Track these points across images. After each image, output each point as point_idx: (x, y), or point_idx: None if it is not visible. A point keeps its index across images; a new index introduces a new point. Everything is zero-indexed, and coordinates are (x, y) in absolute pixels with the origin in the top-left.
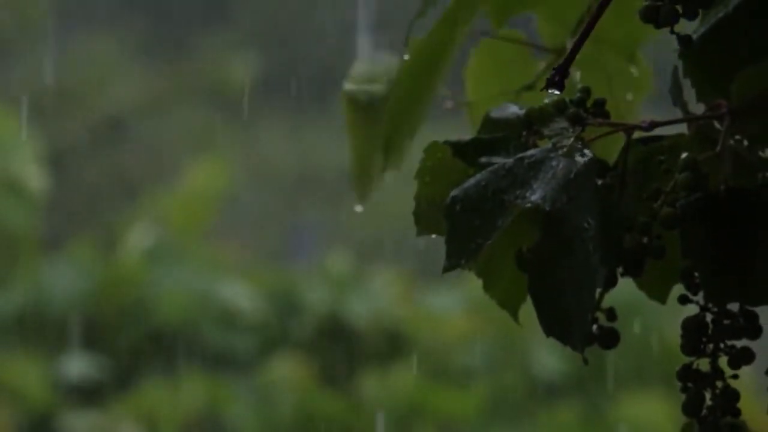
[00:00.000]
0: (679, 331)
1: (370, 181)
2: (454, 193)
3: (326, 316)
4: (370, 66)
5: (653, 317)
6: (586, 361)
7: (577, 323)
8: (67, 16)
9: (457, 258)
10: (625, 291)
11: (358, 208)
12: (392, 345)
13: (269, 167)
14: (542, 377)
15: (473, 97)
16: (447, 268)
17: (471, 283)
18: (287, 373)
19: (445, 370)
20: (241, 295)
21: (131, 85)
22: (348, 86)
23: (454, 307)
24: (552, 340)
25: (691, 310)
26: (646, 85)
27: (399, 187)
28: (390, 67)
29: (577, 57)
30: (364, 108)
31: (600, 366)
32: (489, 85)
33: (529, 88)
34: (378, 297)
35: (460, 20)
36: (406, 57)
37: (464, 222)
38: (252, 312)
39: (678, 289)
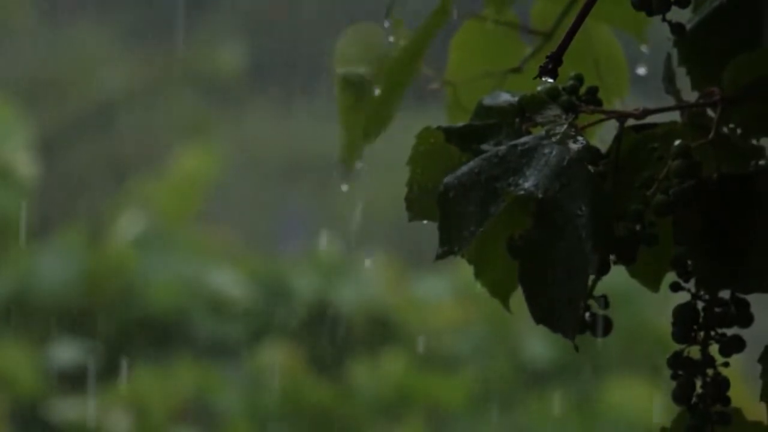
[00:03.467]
0: (668, 319)
1: (357, 161)
2: (446, 180)
3: (316, 303)
4: (353, 48)
5: (642, 304)
6: (576, 348)
7: (568, 310)
8: (57, 2)
9: (449, 245)
10: (613, 278)
11: (344, 188)
12: (382, 332)
13: (258, 154)
14: (532, 364)
15: (455, 77)
16: (440, 256)
17: (461, 270)
18: (276, 359)
19: (435, 356)
20: (230, 281)
21: (120, 72)
22: (338, 69)
23: (444, 294)
24: (542, 327)
25: (683, 297)
26: (623, 83)
27: (389, 173)
28: (371, 48)
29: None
30: (355, 90)
31: (589, 353)
32: (473, 65)
33: (516, 71)
34: (367, 284)
35: (447, 6)
36: (392, 38)
37: (457, 209)
38: (241, 299)
39: (668, 276)
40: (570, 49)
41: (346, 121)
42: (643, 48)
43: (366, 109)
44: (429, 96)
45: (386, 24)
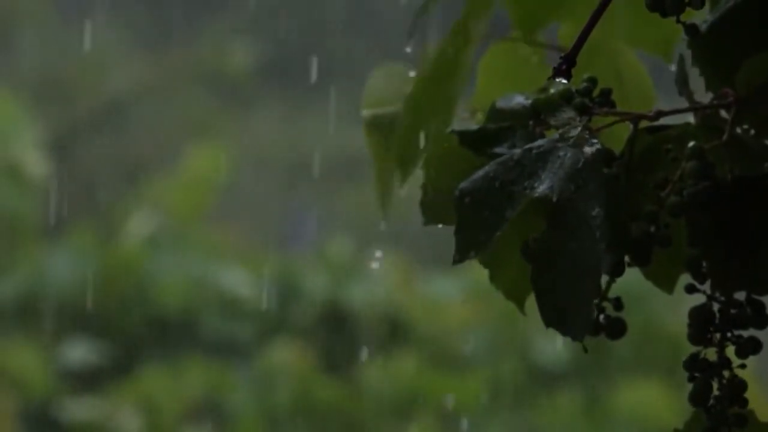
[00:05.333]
0: (680, 319)
1: (392, 198)
2: (462, 185)
3: (326, 303)
4: (382, 88)
5: (654, 305)
6: (585, 349)
7: (579, 311)
8: (68, 2)
9: (466, 250)
10: (625, 279)
11: (383, 226)
12: (392, 331)
13: (268, 153)
14: (543, 364)
15: (483, 101)
16: (456, 261)
17: (472, 270)
18: (287, 359)
19: (446, 356)
20: (240, 281)
21: (131, 71)
22: (365, 111)
23: (454, 294)
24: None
25: (698, 299)
26: (649, 103)
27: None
28: (400, 86)
29: (589, 52)
30: (383, 130)
31: (600, 353)
32: (500, 88)
33: (542, 91)
34: (378, 283)
35: (473, 30)
36: (408, 71)
37: (473, 214)
38: (252, 298)
39: (683, 277)
40: (592, 66)
41: (378, 165)
42: (672, 67)
43: (395, 145)
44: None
45: (408, 49)
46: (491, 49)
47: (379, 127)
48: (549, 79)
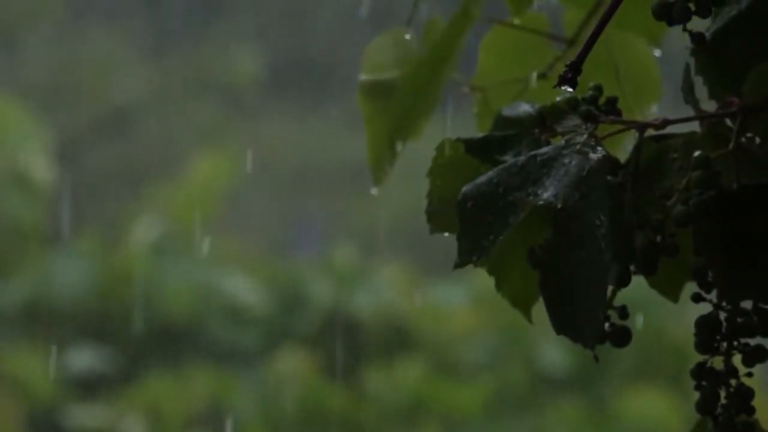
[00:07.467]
0: (684, 327)
1: (386, 166)
2: (465, 189)
3: (331, 310)
4: (382, 54)
5: (658, 312)
6: (596, 358)
7: (588, 320)
8: (74, 9)
9: (468, 255)
10: (630, 286)
11: (374, 191)
12: (397, 339)
13: (274, 161)
14: (547, 371)
15: (484, 81)
16: (458, 265)
17: (476, 278)
18: (292, 366)
19: (450, 364)
20: (245, 288)
21: (137, 78)
22: (363, 76)
23: (459, 301)
24: (558, 335)
25: (704, 307)
26: (655, 88)
27: (404, 180)
28: (400, 54)
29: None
30: (379, 97)
31: (605, 361)
32: (502, 70)
33: (542, 76)
34: (383, 291)
35: (473, 9)
36: (407, 36)
37: (476, 219)
38: (257, 305)
39: (688, 286)
40: (595, 57)
41: (371, 128)
42: (657, 52)
43: (390, 115)
44: (464, 104)
45: (407, 36)
46: (493, 29)
47: (375, 93)
48: (558, 81)
